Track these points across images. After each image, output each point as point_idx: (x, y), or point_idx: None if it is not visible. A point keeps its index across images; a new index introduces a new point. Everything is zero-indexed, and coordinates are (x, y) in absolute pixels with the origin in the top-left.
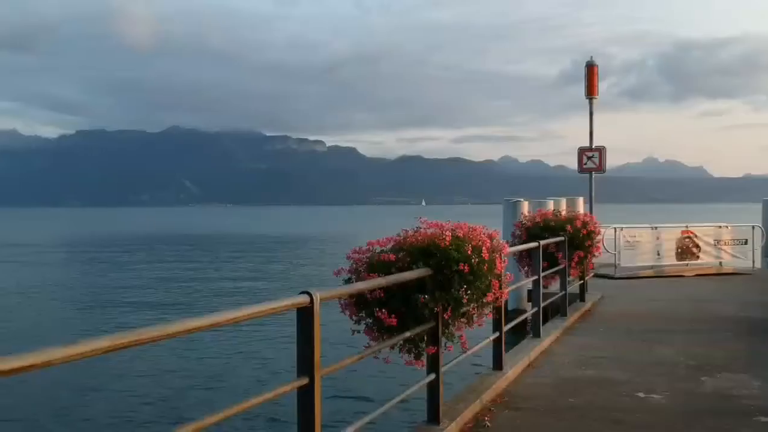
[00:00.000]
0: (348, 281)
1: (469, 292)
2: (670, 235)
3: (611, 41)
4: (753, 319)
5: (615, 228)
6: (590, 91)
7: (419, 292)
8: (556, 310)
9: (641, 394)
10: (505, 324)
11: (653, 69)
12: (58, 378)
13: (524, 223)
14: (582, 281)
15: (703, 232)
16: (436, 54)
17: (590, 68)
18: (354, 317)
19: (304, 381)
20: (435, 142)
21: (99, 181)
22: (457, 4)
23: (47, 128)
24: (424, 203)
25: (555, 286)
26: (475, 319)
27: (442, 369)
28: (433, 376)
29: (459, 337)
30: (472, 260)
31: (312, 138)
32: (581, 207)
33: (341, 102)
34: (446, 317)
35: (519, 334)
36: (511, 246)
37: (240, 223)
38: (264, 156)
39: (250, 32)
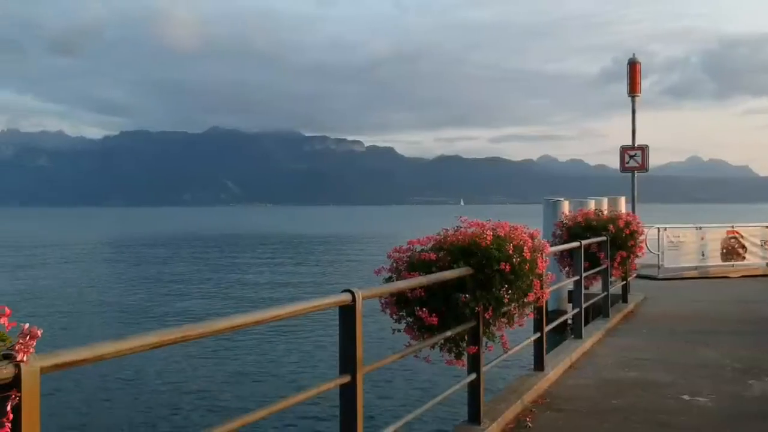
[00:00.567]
0: (389, 280)
1: (510, 291)
2: (715, 236)
3: (654, 38)
4: None
5: (658, 228)
6: (632, 89)
7: (460, 291)
8: (597, 311)
9: (686, 397)
10: (546, 324)
11: (697, 66)
12: (107, 372)
13: (565, 223)
14: (624, 282)
15: (749, 232)
16: (475, 53)
17: (632, 66)
18: (395, 316)
19: (347, 378)
20: (473, 141)
21: (142, 181)
22: (496, 3)
23: (92, 129)
24: (462, 203)
25: (596, 286)
26: (516, 318)
27: (483, 369)
28: (473, 375)
29: (500, 336)
30: (514, 260)
31: (350, 138)
32: (623, 206)
33: (379, 102)
34: (487, 317)
35: (560, 335)
36: (551, 246)
37: (280, 223)
38: (303, 156)
39: (290, 33)
